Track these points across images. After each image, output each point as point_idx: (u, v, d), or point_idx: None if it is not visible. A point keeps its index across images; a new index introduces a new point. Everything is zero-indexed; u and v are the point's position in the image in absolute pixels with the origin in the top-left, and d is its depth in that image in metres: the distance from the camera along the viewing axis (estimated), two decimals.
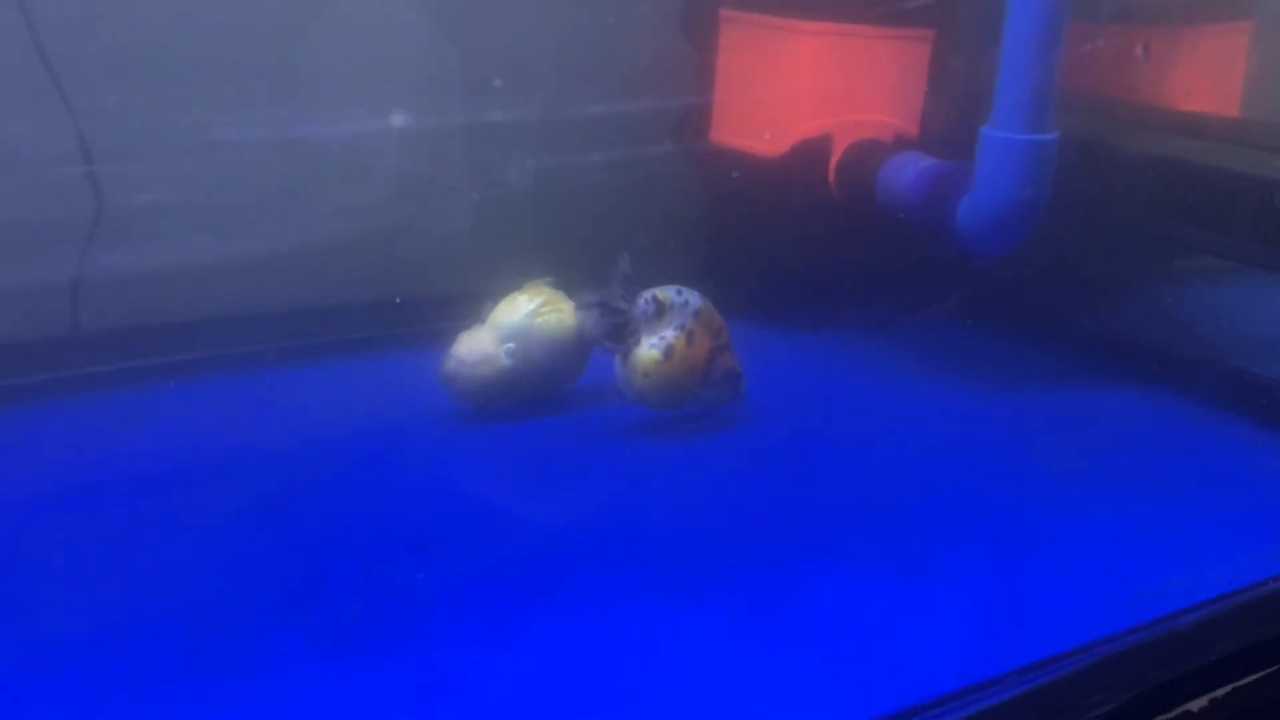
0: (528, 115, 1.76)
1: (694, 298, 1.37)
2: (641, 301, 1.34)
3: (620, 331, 1.33)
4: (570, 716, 0.89)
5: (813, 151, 1.69)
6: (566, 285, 1.41)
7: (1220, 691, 1.01)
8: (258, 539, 1.10)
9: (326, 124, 1.63)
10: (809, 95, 1.71)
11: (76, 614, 0.98)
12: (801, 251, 1.73)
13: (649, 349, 1.32)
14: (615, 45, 1.79)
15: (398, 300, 1.59)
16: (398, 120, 1.66)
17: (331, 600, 1.01)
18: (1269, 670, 1.04)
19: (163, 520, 1.13)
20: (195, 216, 1.56)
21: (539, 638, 0.97)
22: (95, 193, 1.48)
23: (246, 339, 1.48)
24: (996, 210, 1.50)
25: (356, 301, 1.62)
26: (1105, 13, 1.74)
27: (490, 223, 1.73)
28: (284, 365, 1.48)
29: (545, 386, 1.40)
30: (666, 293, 1.35)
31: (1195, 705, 1.00)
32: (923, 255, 1.66)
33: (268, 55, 1.56)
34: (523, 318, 1.37)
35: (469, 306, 1.40)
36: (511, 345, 1.36)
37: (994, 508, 1.27)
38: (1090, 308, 1.72)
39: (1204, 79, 1.74)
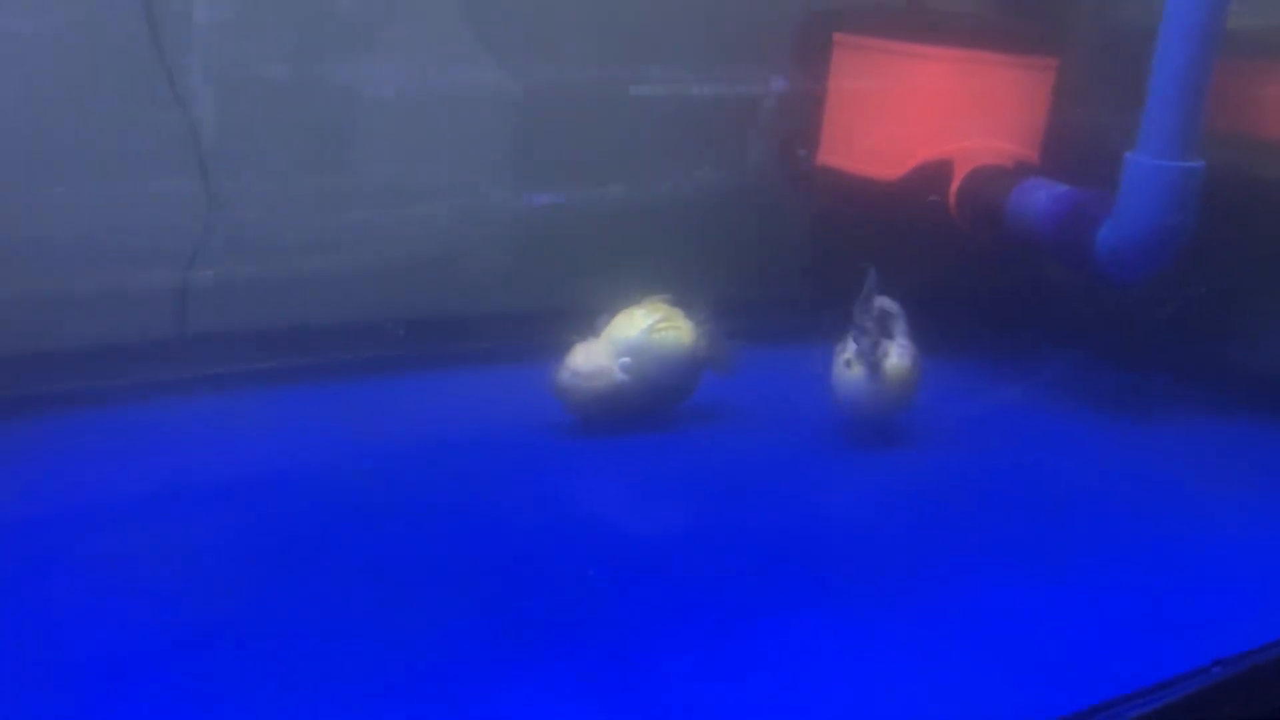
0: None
1: (896, 304, 1.39)
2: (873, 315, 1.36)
3: (873, 348, 1.34)
4: None
5: (933, 176, 1.63)
6: (683, 302, 1.35)
7: None
8: (420, 537, 1.09)
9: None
10: (930, 120, 1.64)
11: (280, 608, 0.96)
12: (919, 277, 1.65)
13: (898, 359, 1.34)
14: None
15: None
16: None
17: (514, 597, 1.00)
18: None
19: (324, 515, 1.12)
20: (329, 227, 1.56)
21: (744, 647, 0.95)
22: (208, 202, 1.46)
23: (374, 346, 1.48)
24: (1142, 236, 1.42)
25: (474, 313, 1.60)
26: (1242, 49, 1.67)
27: (590, 241, 1.68)
28: (409, 372, 1.48)
29: (657, 403, 1.34)
30: (887, 302, 1.37)
31: None
32: (1053, 283, 1.57)
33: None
34: (640, 333, 1.31)
35: (579, 321, 1.34)
36: (627, 360, 1.30)
37: (1147, 524, 1.24)
38: (1229, 341, 1.65)
39: None
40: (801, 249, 1.78)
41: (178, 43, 1.43)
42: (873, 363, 1.34)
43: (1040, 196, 1.54)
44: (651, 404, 1.33)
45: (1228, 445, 1.48)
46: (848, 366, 1.35)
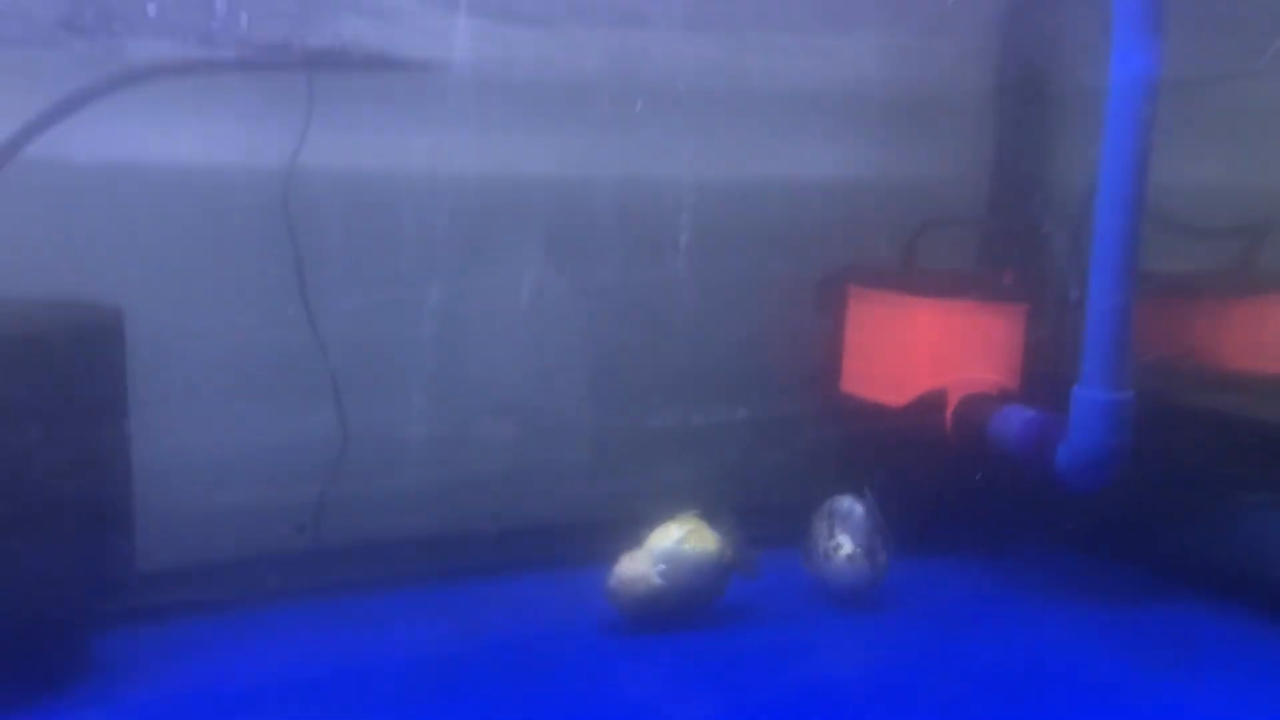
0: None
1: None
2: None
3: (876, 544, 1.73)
4: None
5: (931, 403, 1.97)
6: (711, 516, 1.70)
7: None
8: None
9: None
10: (926, 356, 2.00)
11: None
12: (922, 486, 1.97)
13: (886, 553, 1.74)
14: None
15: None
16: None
17: None
18: None
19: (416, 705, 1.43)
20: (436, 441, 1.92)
21: None
22: (341, 424, 1.87)
23: (469, 551, 1.81)
24: (1088, 455, 1.72)
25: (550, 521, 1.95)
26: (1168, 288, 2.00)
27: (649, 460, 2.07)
28: (495, 575, 1.82)
29: (693, 602, 1.66)
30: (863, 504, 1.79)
31: None
32: (1027, 491, 1.87)
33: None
34: (673, 544, 1.65)
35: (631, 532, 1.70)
36: (663, 567, 1.64)
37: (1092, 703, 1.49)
38: (1167, 534, 1.94)
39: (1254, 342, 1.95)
40: (828, 462, 2.12)
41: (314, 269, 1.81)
42: (873, 556, 1.69)
43: (1014, 421, 1.86)
44: (688, 603, 1.65)
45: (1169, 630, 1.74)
46: (850, 561, 1.70)
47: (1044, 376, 1.88)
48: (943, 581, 1.91)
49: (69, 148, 1.59)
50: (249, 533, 1.80)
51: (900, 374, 2.01)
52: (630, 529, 1.70)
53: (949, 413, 1.95)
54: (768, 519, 1.86)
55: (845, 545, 1.72)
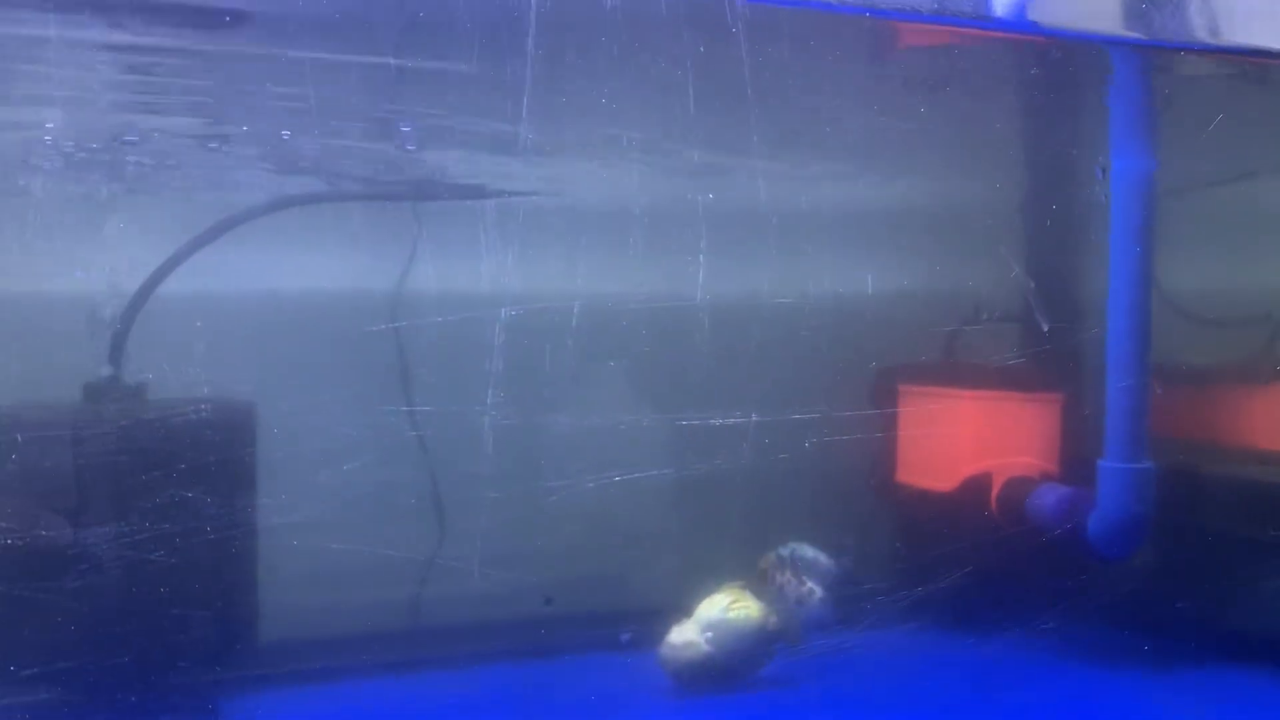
0: None
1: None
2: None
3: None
4: None
5: (977, 486, 2.08)
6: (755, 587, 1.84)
7: None
8: None
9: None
10: (971, 444, 2.12)
11: None
12: (970, 563, 2.06)
13: None
14: None
15: None
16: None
17: None
18: None
19: None
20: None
21: None
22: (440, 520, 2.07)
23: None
24: (1116, 523, 1.81)
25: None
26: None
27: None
28: (558, 655, 1.96)
29: (741, 667, 1.79)
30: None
31: None
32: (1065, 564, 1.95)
33: None
34: (719, 612, 1.80)
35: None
36: (710, 634, 1.78)
37: None
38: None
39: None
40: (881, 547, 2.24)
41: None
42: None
43: (1049, 498, 1.96)
44: (733, 670, 1.78)
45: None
46: (823, 603, 1.88)
47: (1080, 459, 1.98)
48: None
49: (214, 276, 1.85)
50: (359, 605, 1.99)
51: (948, 462, 2.13)
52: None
53: (994, 494, 2.06)
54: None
55: (817, 590, 1.89)
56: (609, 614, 2.06)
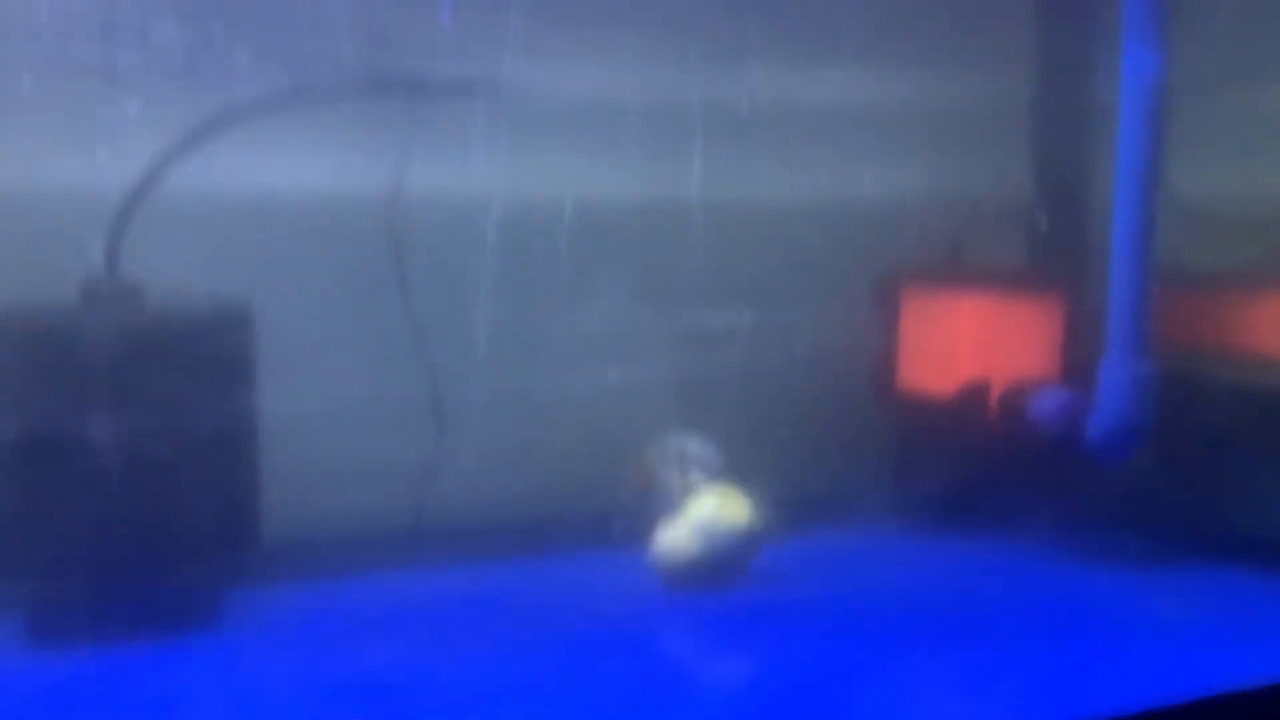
0: None
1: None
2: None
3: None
4: None
5: (977, 389, 2.05)
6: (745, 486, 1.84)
7: None
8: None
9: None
10: (971, 347, 2.08)
11: None
12: (970, 467, 2.05)
13: None
14: None
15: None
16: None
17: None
18: None
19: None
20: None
21: None
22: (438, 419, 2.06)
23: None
24: (1114, 427, 1.78)
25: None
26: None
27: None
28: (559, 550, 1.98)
29: (725, 568, 1.79)
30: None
31: None
32: (1063, 467, 1.93)
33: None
34: (709, 513, 1.80)
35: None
36: (700, 535, 1.78)
37: None
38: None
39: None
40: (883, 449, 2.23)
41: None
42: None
43: (1048, 401, 1.93)
44: (721, 568, 1.78)
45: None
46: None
47: (1083, 362, 1.94)
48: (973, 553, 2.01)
49: (208, 176, 1.82)
50: (360, 507, 1.96)
51: (949, 365, 2.10)
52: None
53: (994, 398, 2.03)
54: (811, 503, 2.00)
55: (700, 485, 1.85)
56: (604, 514, 2.08)
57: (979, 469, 2.02)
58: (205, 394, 1.64)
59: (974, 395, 2.03)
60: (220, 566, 1.72)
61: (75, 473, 1.56)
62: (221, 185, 1.86)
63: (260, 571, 1.79)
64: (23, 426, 1.56)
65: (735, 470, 1.88)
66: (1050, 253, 2.14)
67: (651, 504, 1.89)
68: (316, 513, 1.93)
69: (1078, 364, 1.95)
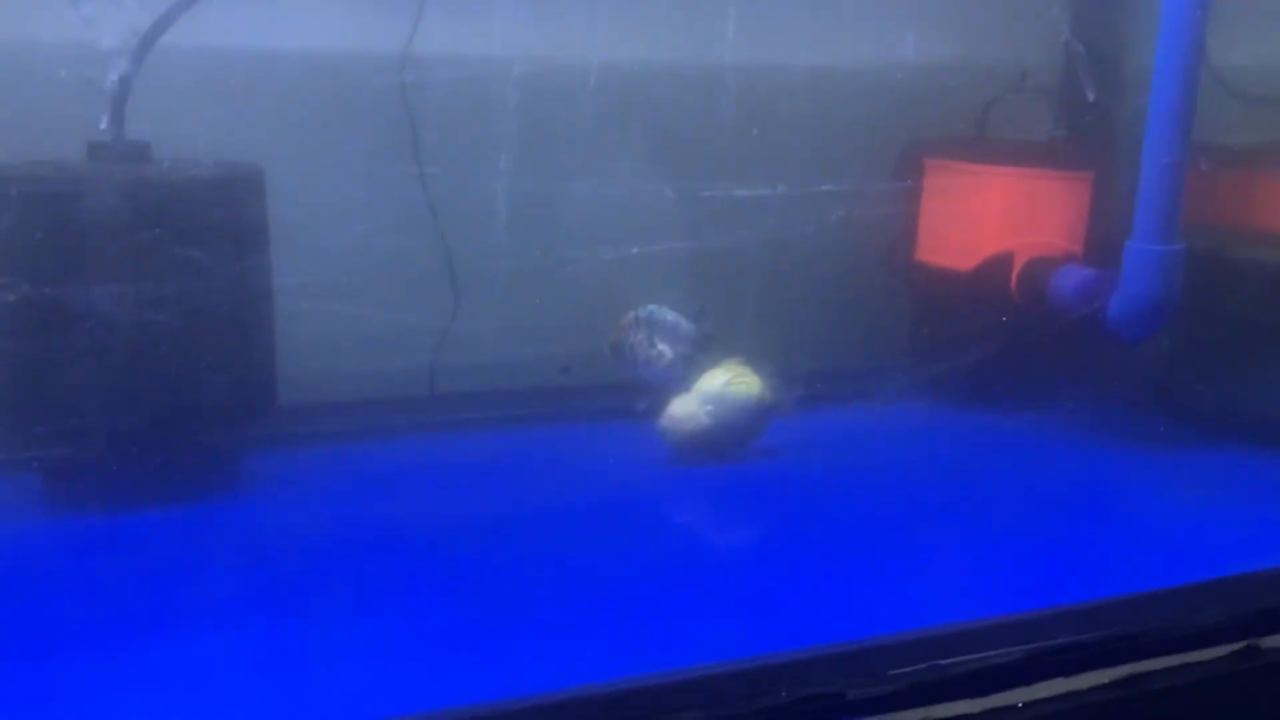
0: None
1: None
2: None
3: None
4: None
5: (997, 266, 2.00)
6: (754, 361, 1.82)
7: None
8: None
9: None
10: (995, 222, 2.03)
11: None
12: (989, 344, 2.02)
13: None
14: None
15: None
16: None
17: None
18: None
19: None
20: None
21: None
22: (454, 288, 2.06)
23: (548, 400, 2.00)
24: (1139, 306, 1.74)
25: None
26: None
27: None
28: (575, 422, 1.99)
29: (733, 440, 1.79)
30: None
31: None
32: (1082, 345, 1.90)
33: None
34: (720, 387, 1.79)
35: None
36: (711, 407, 1.78)
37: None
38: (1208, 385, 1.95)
39: None
40: (898, 326, 2.20)
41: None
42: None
43: (1070, 278, 1.88)
44: (729, 441, 1.78)
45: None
46: (672, 366, 1.86)
47: (1110, 241, 1.89)
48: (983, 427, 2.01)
49: (213, 34, 1.78)
50: (375, 370, 1.99)
51: (971, 240, 2.05)
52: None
53: (1014, 275, 1.98)
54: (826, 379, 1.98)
55: (667, 353, 1.87)
56: (615, 385, 2.08)
57: (998, 346, 1.99)
58: (217, 256, 1.61)
59: (996, 270, 1.99)
60: (237, 430, 1.72)
61: (90, 336, 1.54)
62: (230, 41, 1.82)
63: (276, 435, 1.81)
64: (34, 289, 1.54)
65: (749, 345, 1.86)
66: (1081, 128, 2.06)
67: (624, 367, 1.91)
68: (332, 378, 1.94)
69: (1103, 241, 1.90)
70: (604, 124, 2.05)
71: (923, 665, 1.04)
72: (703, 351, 1.87)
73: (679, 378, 1.86)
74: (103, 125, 1.64)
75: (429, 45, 1.94)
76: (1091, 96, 1.93)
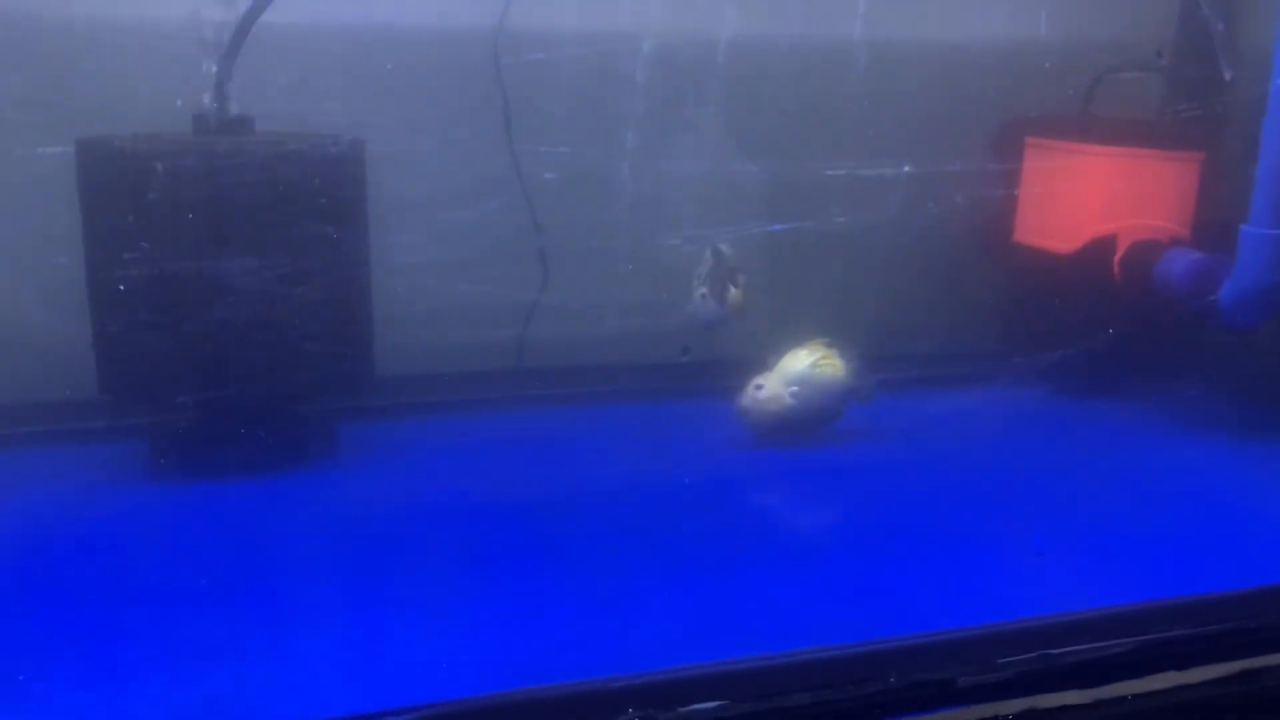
0: None
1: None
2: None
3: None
4: None
5: (1100, 249, 1.93)
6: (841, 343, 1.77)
7: None
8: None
9: None
10: (1098, 203, 1.95)
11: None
12: (1088, 329, 1.95)
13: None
14: None
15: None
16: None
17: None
18: None
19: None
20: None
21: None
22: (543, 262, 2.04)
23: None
24: (1253, 292, 1.66)
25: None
26: None
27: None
28: (647, 401, 1.97)
29: (816, 422, 1.74)
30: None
31: None
32: (1189, 333, 1.83)
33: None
34: (806, 368, 1.74)
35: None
36: (795, 388, 1.74)
37: None
38: None
39: None
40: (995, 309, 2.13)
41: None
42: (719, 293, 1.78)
43: (1179, 263, 1.80)
44: (811, 423, 1.73)
45: None
46: (704, 300, 1.80)
47: (1218, 225, 1.81)
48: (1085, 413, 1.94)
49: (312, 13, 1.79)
50: (468, 345, 1.98)
51: (1073, 222, 1.98)
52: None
53: (1117, 258, 1.91)
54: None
55: (704, 291, 1.80)
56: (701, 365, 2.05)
57: (1099, 332, 1.93)
58: (317, 228, 1.60)
59: (1098, 253, 1.92)
60: (338, 401, 1.75)
61: (191, 307, 1.55)
62: (330, 18, 1.81)
63: (373, 406, 1.83)
64: (154, 263, 1.54)
65: (839, 328, 1.81)
66: (1191, 108, 1.98)
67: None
68: (424, 351, 1.93)
69: (1214, 226, 1.82)
70: (732, 99, 2.01)
71: (1032, 654, 1.01)
72: (722, 287, 1.82)
73: (710, 317, 1.83)
74: (206, 100, 1.66)
75: (557, 21, 1.92)
76: (1228, 75, 1.84)
